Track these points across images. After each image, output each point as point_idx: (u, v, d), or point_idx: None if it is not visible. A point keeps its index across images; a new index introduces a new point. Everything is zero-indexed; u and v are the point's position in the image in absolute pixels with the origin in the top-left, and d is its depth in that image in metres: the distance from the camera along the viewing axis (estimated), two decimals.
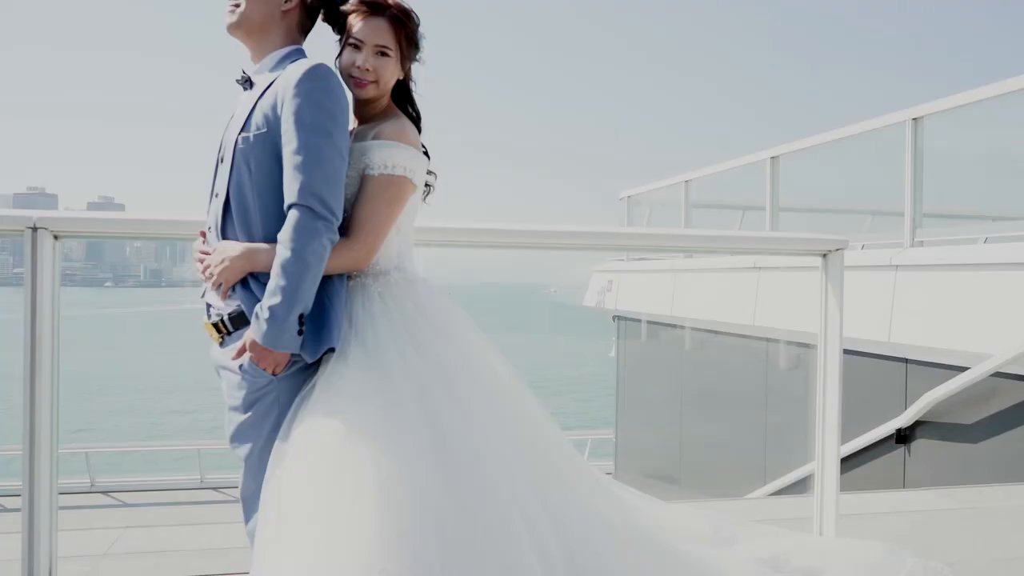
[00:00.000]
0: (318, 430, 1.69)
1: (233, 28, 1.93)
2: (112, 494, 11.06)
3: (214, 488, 11.27)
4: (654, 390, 9.86)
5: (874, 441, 5.46)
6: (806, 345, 6.43)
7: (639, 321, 9.88)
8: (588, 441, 13.12)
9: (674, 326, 8.94)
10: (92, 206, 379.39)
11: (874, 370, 5.46)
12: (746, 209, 9.34)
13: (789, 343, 6.74)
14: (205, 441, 13.16)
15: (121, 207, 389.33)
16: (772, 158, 7.03)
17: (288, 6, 1.93)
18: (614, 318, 10.46)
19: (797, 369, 6.90)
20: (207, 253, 1.90)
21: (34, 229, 2.03)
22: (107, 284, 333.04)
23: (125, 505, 10.74)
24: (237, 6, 1.91)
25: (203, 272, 1.89)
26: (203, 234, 1.98)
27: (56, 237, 2.08)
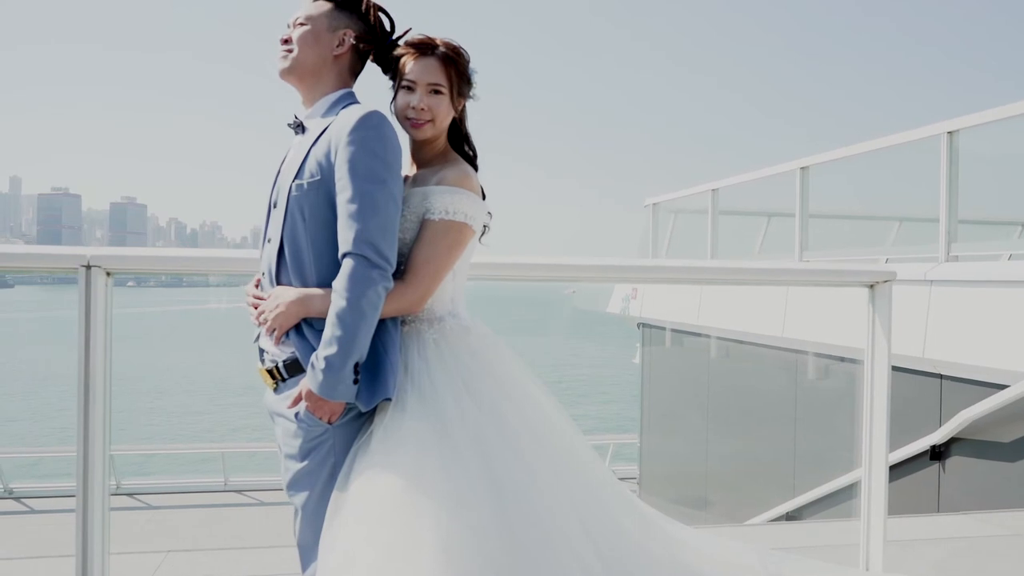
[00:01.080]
0: (378, 482, 1.69)
1: (286, 73, 1.93)
2: (137, 496, 11.19)
3: (238, 491, 11.34)
4: (679, 397, 9.82)
5: (907, 457, 5.40)
6: (838, 359, 6.38)
7: (663, 329, 9.84)
8: (610, 445, 13.12)
9: (699, 335, 8.90)
10: (115, 206, 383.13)
11: (908, 385, 5.40)
12: (772, 215, 9.28)
13: (819, 355, 6.69)
14: (229, 444, 13.30)
15: (143, 207, 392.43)
16: (802, 168, 6.97)
17: (340, 51, 1.93)
18: (639, 325, 10.43)
19: (827, 380, 6.84)
20: (261, 298, 1.91)
21: (88, 267, 2.06)
22: (130, 284, 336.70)
23: (149, 507, 10.87)
24: (290, 51, 1.92)
25: (257, 317, 1.90)
26: (257, 282, 1.98)
27: (108, 274, 2.11)
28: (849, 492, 5.75)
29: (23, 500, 11.22)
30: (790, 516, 6.68)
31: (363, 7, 1.96)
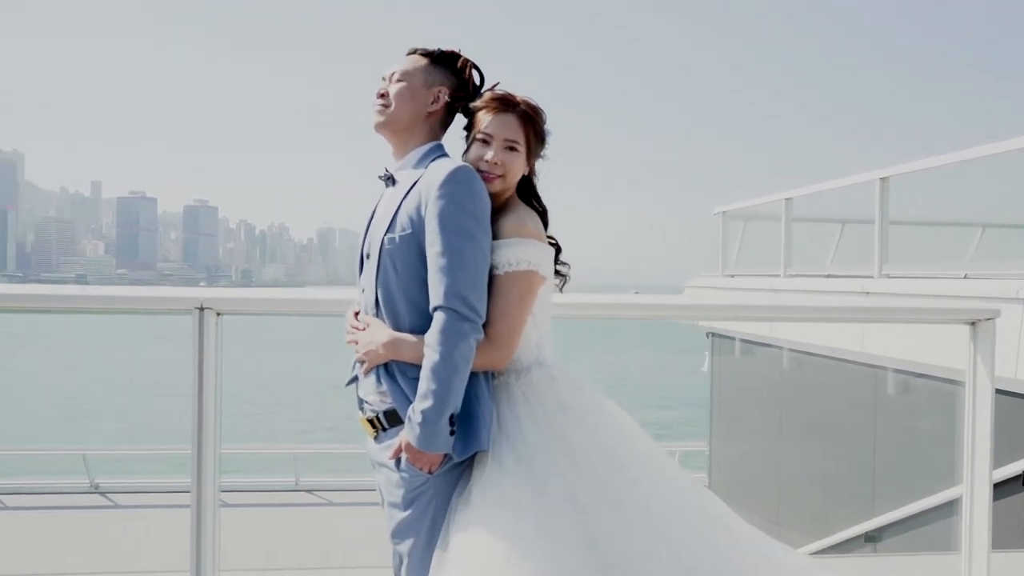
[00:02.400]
0: (478, 545, 1.73)
1: (381, 127, 1.99)
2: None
3: (308, 491, 11.59)
4: (750, 407, 9.67)
5: (997, 481, 5.20)
6: (920, 375, 6.19)
7: (733, 339, 9.70)
8: (677, 453, 13.00)
9: (770, 345, 8.74)
10: (188, 209, 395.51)
11: (998, 406, 5.21)
12: (846, 222, 9.06)
13: (900, 371, 6.50)
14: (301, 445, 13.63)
15: (215, 209, 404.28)
16: (882, 179, 6.79)
17: (434, 107, 1.99)
18: (708, 335, 10.31)
19: (907, 396, 6.65)
20: (357, 328, 1.98)
21: (201, 309, 2.18)
22: (201, 283, 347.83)
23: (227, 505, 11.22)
24: (387, 107, 1.97)
25: (349, 340, 1.99)
26: (357, 312, 2.05)
27: (219, 314, 2.22)
28: (937, 514, 5.58)
29: (109, 495, 11.75)
30: (869, 537, 6.52)
31: (458, 63, 2.01)
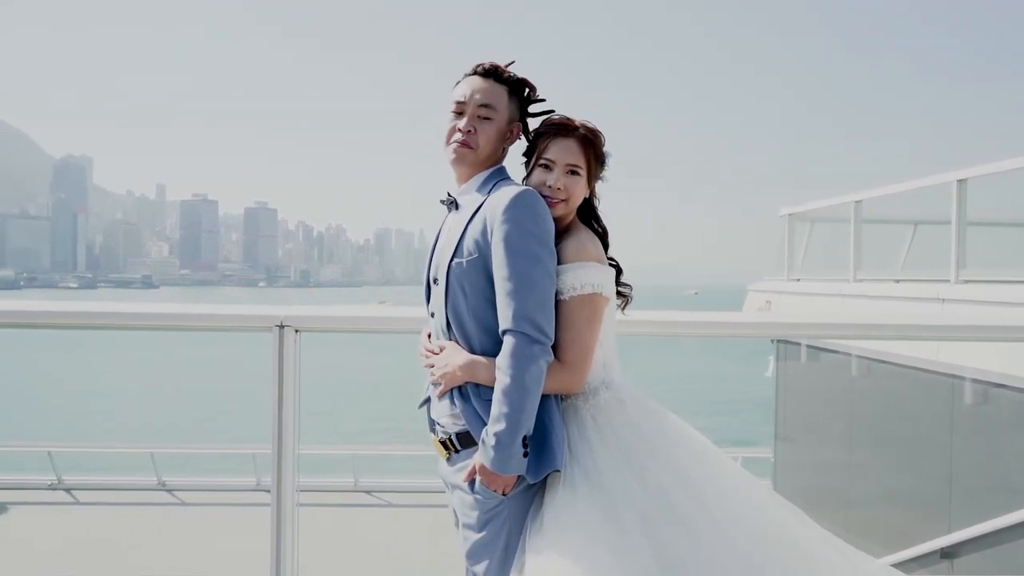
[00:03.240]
0: (552, 569, 1.73)
1: (463, 165, 1.99)
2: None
3: (367, 491, 11.74)
4: (817, 414, 9.45)
5: None
6: (1000, 385, 5.95)
7: (799, 344, 9.48)
8: (739, 459, 12.80)
9: (837, 352, 8.51)
10: (248, 211, 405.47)
11: None
12: (918, 223, 8.78)
13: (977, 381, 6.25)
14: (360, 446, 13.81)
15: (274, 211, 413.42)
16: (959, 181, 6.54)
17: (509, 142, 2.02)
18: (773, 340, 10.09)
19: (986, 407, 6.39)
20: (432, 352, 1.99)
21: (281, 327, 2.22)
22: (261, 284, 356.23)
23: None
24: (473, 148, 1.97)
25: (427, 365, 2.00)
26: (429, 333, 2.07)
27: (296, 331, 2.25)
28: (1022, 532, 5.34)
29: (175, 492, 12.12)
30: (945, 554, 6.28)
31: (525, 92, 2.03)
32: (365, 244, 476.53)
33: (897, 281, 8.00)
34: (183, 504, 11.73)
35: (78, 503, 11.65)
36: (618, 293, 2.05)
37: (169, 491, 11.99)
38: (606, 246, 2.03)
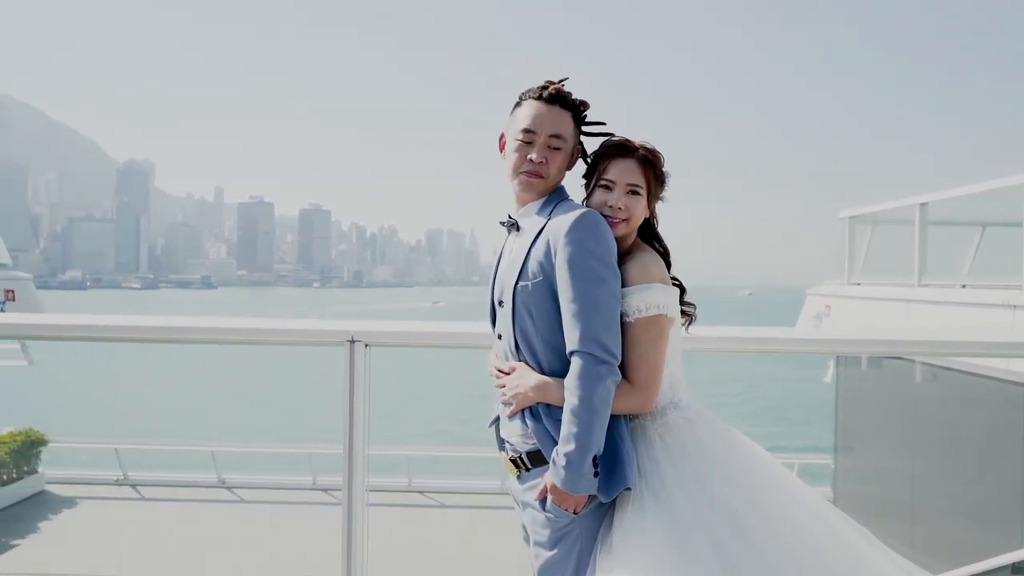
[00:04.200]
0: None
1: (532, 193, 2.01)
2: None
3: (420, 492, 11.86)
4: (879, 422, 9.23)
5: None
6: None
7: None
8: (795, 465, 12.58)
9: (900, 358, 8.30)
10: (303, 212, 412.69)
11: None
12: (986, 225, 8.52)
13: None
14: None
15: (328, 213, 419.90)
16: None
17: (572, 161, 2.03)
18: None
19: None
20: (503, 372, 2.02)
21: (352, 341, 2.27)
22: (315, 285, 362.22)
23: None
24: (543, 177, 1.98)
25: (496, 384, 2.02)
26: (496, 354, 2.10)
27: (367, 346, 2.30)
28: None
29: (235, 490, 12.44)
30: (1017, 569, 6.07)
31: (584, 115, 2.04)
32: (417, 245, 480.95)
33: (964, 286, 7.78)
34: (242, 501, 12.04)
35: (143, 499, 12.04)
36: (682, 312, 2.05)
37: (229, 488, 12.31)
38: (668, 265, 2.03)
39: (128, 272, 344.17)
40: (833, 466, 10.28)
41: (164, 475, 12.91)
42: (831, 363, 10.12)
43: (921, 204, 8.18)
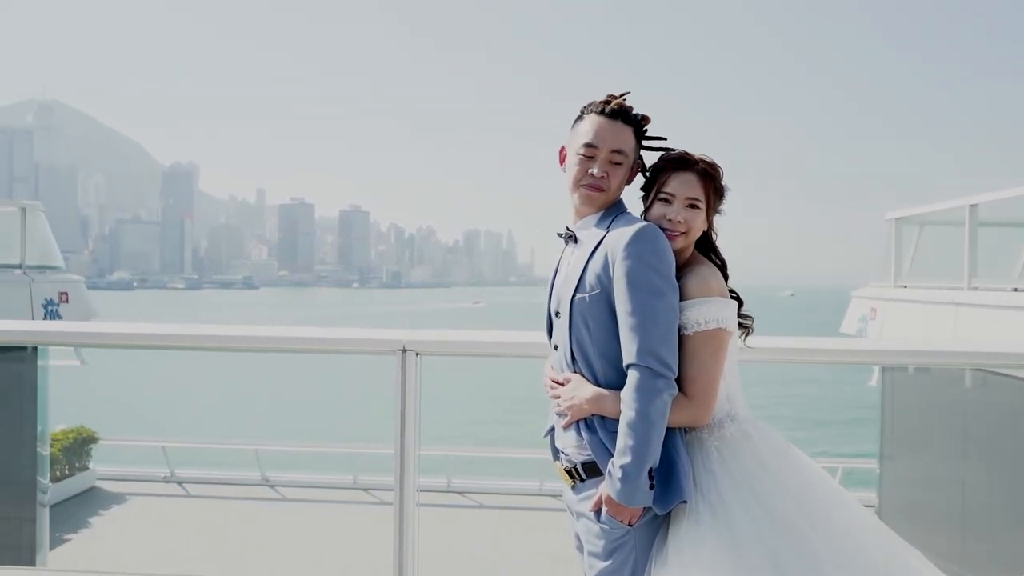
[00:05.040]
0: None
1: (591, 208, 2.02)
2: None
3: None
4: (927, 427, 9.04)
5: None
6: None
7: None
8: (839, 469, 12.39)
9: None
10: (343, 214, 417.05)
11: None
12: None
13: None
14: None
15: (367, 214, 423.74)
16: None
17: (632, 174, 2.05)
18: None
19: None
20: (558, 383, 2.03)
21: (403, 350, 2.30)
22: (354, 285, 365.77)
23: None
24: (604, 191, 1.99)
25: (552, 395, 2.03)
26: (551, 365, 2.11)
27: (417, 354, 2.34)
28: None
29: (277, 488, 12.64)
30: None
31: (645, 128, 2.05)
32: (454, 245, 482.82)
33: (1015, 290, 7.59)
34: (284, 500, 12.23)
35: (189, 495, 12.30)
36: (740, 324, 2.05)
37: (272, 487, 12.52)
38: (726, 277, 2.03)
39: (173, 273, 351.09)
40: (879, 471, 10.09)
41: (210, 473, 13.16)
42: (877, 367, 9.94)
43: (971, 205, 7.99)
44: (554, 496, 11.74)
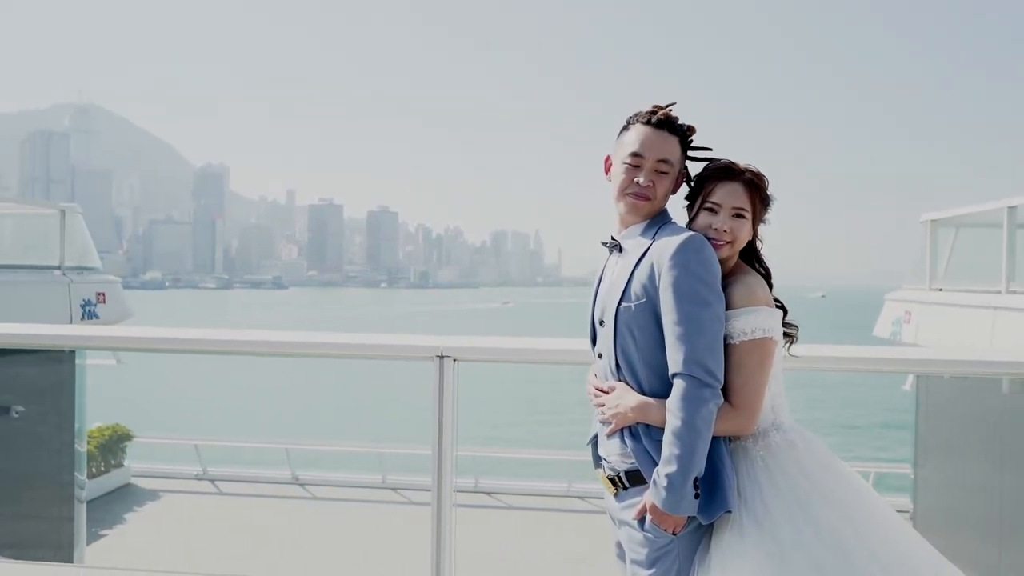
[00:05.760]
0: None
1: (641, 213, 2.02)
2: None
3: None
4: (963, 433, 8.89)
5: None
6: None
7: None
8: (871, 474, 12.24)
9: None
10: (371, 214, 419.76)
11: None
12: None
13: None
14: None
15: (395, 215, 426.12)
16: None
17: (678, 184, 2.05)
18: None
19: None
20: (602, 391, 2.03)
21: (441, 357, 2.33)
22: (382, 285, 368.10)
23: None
24: (651, 200, 2.00)
25: (597, 404, 2.04)
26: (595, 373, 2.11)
27: (455, 360, 2.36)
28: None
29: (307, 487, 12.78)
30: None
31: (690, 139, 2.05)
32: (482, 246, 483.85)
33: None
34: (314, 498, 12.35)
35: (221, 493, 12.48)
36: (784, 333, 2.05)
37: (302, 485, 12.66)
38: (770, 286, 2.03)
39: (205, 273, 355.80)
40: (913, 476, 9.94)
41: (241, 471, 13.34)
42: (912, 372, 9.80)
43: (1009, 207, 7.86)
44: (582, 498, 11.75)
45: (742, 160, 2.03)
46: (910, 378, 9.98)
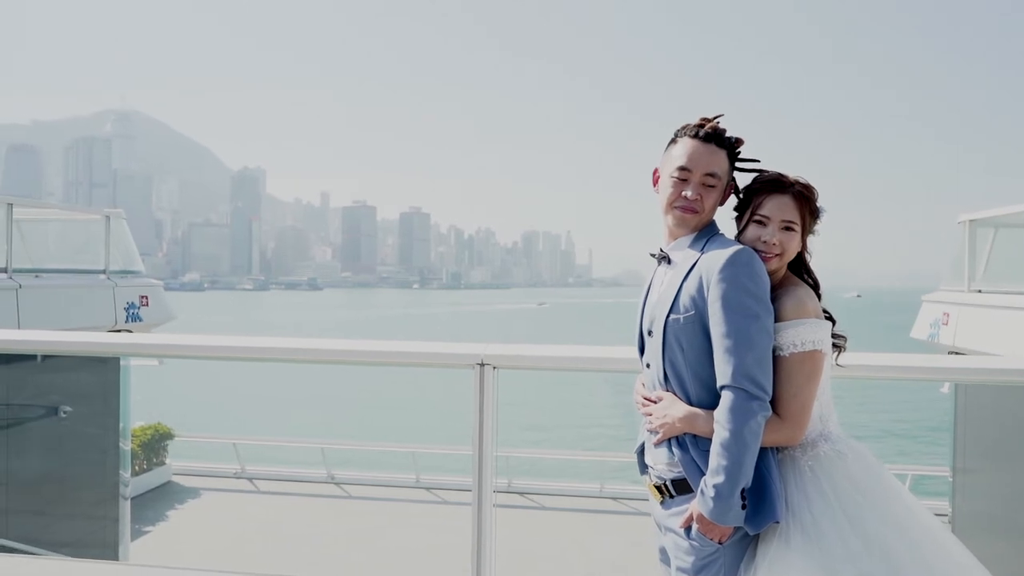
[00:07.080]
0: None
1: (688, 226, 2.03)
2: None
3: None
4: (1003, 436, 8.74)
5: None
6: None
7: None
8: (908, 476, 12.07)
9: None
10: (403, 216, 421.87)
11: None
12: None
13: None
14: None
15: (427, 216, 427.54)
16: None
17: (726, 196, 2.06)
18: (950, 353, 9.44)
19: None
20: (650, 400, 2.05)
21: (481, 364, 2.39)
22: (415, 286, 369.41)
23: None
24: (698, 213, 2.01)
25: (644, 412, 2.07)
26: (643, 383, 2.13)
27: (494, 368, 2.43)
28: None
29: (343, 486, 12.95)
30: None
31: (738, 151, 2.06)
32: (513, 247, 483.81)
33: None
34: (349, 497, 12.50)
35: (258, 491, 12.68)
36: (832, 344, 2.04)
37: (337, 484, 12.81)
38: (818, 297, 2.03)
39: (242, 274, 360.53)
40: (951, 480, 9.78)
41: (278, 470, 13.55)
42: None
43: None
44: (615, 499, 11.76)
45: (791, 172, 2.02)
46: (949, 382, 9.83)
